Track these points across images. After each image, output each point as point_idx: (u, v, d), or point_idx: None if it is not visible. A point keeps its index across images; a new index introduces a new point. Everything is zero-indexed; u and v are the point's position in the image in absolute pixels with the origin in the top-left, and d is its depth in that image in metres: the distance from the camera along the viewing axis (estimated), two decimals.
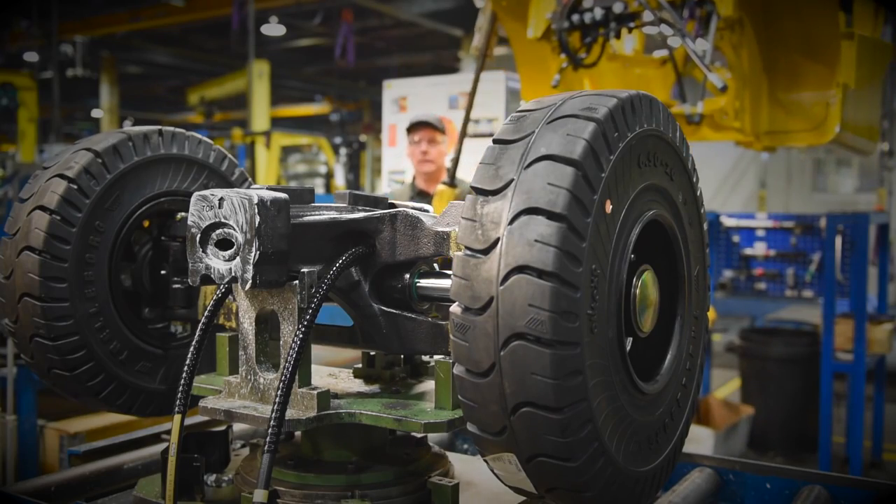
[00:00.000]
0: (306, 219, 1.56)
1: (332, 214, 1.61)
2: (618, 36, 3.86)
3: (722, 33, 3.72)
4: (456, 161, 4.49)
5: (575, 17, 3.67)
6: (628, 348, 1.40)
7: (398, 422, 1.52)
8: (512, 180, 1.25)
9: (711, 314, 2.71)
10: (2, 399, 4.04)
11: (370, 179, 18.72)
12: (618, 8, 3.63)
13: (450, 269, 1.49)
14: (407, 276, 1.64)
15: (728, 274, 7.75)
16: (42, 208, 1.75)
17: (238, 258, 1.41)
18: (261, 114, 15.47)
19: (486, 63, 4.40)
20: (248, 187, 1.74)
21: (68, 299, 1.76)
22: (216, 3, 14.69)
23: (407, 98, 8.25)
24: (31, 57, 17.65)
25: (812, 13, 3.79)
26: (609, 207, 1.31)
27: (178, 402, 1.48)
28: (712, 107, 3.95)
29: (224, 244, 1.43)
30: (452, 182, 4.50)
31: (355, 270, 1.64)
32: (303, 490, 1.61)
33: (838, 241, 6.78)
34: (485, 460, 1.35)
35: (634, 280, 1.41)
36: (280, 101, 22.62)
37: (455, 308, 1.26)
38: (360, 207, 1.66)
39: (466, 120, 4.44)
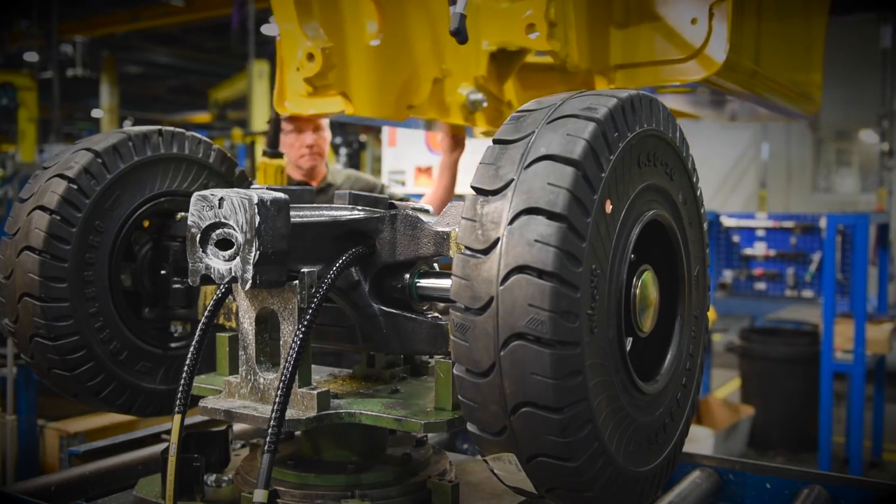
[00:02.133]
0: (306, 219, 1.56)
1: (332, 214, 1.61)
2: None
3: None
4: (276, 123, 3.42)
5: None
6: (628, 348, 1.40)
7: (398, 422, 1.52)
8: (512, 180, 1.25)
9: (711, 314, 2.61)
10: (2, 399, 4.03)
11: None
12: None
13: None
14: (407, 276, 1.64)
15: (728, 274, 7.75)
16: (42, 208, 1.75)
17: (238, 258, 1.41)
18: (261, 114, 15.45)
19: None
20: (248, 187, 1.74)
21: (68, 299, 1.76)
22: (216, 3, 14.67)
23: None
24: (31, 57, 17.66)
25: None
26: (609, 207, 1.31)
27: (178, 402, 1.48)
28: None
29: (224, 244, 1.43)
30: (276, 150, 3.43)
31: (355, 270, 1.64)
32: (303, 490, 1.61)
33: (838, 241, 6.79)
34: (485, 460, 1.35)
35: (634, 280, 1.41)
36: None
37: (455, 308, 1.26)
38: (360, 207, 1.66)
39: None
